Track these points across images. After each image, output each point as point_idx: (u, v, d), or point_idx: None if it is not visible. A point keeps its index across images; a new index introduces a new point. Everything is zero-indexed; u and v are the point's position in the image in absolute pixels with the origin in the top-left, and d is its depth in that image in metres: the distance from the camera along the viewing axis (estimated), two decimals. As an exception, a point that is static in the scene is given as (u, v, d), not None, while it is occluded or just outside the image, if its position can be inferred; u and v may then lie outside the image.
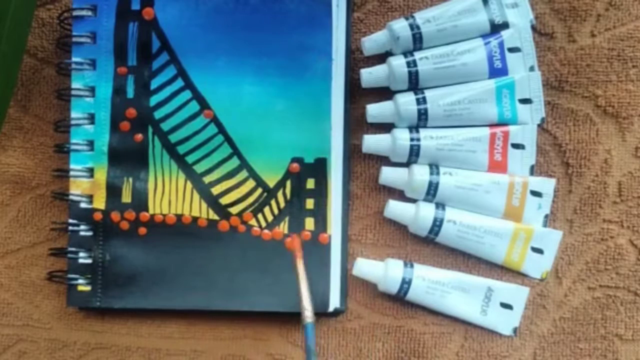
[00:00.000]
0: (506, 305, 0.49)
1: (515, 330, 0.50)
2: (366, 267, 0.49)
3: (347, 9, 0.48)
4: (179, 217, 0.49)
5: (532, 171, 0.49)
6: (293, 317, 0.50)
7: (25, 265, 0.52)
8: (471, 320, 0.49)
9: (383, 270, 0.48)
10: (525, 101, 0.48)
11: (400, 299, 0.49)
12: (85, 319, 0.51)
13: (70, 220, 0.49)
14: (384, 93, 0.49)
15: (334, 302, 0.49)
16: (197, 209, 0.49)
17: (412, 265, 0.49)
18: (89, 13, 0.48)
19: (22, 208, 0.51)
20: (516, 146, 0.48)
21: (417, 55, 0.47)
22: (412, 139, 0.47)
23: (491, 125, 0.48)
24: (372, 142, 0.48)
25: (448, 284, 0.49)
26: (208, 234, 0.49)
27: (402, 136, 0.47)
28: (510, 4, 0.47)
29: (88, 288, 0.49)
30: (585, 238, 0.50)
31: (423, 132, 0.48)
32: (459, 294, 0.49)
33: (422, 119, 0.47)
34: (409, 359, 0.50)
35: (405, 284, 0.48)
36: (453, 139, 0.48)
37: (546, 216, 0.49)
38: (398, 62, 0.47)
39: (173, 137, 0.49)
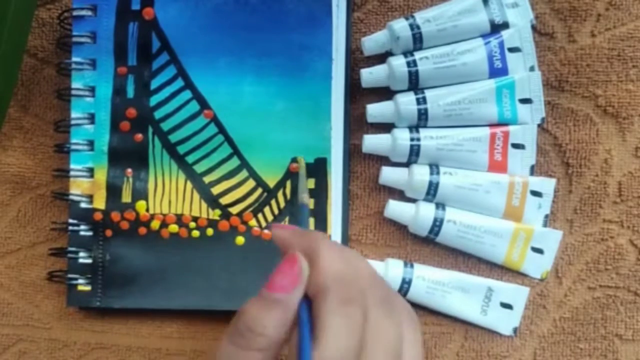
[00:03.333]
0: (506, 305, 0.49)
1: (515, 330, 0.50)
2: (366, 267, 0.49)
3: (347, 9, 0.48)
4: (179, 217, 0.49)
5: (532, 171, 0.49)
6: (293, 317, 0.50)
7: (25, 265, 0.52)
8: (471, 320, 0.49)
9: (383, 270, 0.48)
10: (526, 101, 0.48)
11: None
12: (85, 319, 0.51)
13: (70, 220, 0.49)
14: (384, 93, 0.49)
15: (334, 302, 0.49)
16: (197, 209, 0.49)
17: (412, 266, 0.49)
18: (89, 13, 0.48)
19: (22, 208, 0.51)
20: (516, 146, 0.48)
21: (417, 55, 0.47)
22: (412, 139, 0.47)
23: (491, 125, 0.48)
24: (372, 142, 0.48)
25: (448, 284, 0.49)
26: (208, 233, 0.49)
27: (402, 136, 0.47)
28: (510, 3, 0.47)
29: (88, 288, 0.49)
30: (586, 238, 0.50)
31: (423, 132, 0.48)
32: (459, 294, 0.49)
33: (422, 119, 0.47)
34: (409, 359, 0.50)
35: (405, 284, 0.48)
36: (453, 138, 0.48)
37: (546, 216, 0.49)
38: (398, 62, 0.47)
39: (173, 137, 0.49)
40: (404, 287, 0.48)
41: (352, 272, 0.32)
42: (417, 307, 0.50)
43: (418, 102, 0.47)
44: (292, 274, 0.32)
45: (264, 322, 0.31)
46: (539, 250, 0.49)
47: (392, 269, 0.48)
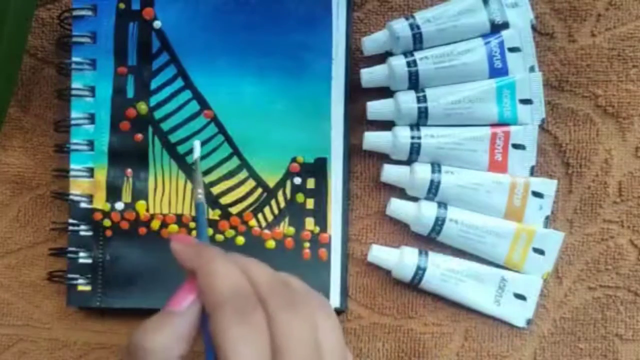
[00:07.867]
0: (520, 296, 0.49)
1: (528, 321, 0.49)
2: (381, 254, 0.49)
3: (347, 8, 0.48)
4: (179, 217, 0.49)
5: (532, 172, 0.49)
6: (293, 317, 0.50)
7: (25, 265, 0.51)
8: (485, 311, 0.49)
9: (398, 257, 0.48)
10: (526, 101, 0.48)
11: (414, 287, 0.49)
12: (85, 319, 0.51)
13: (70, 220, 0.49)
14: (384, 93, 0.49)
15: (334, 302, 0.49)
16: (197, 208, 0.49)
17: (426, 254, 0.49)
18: (89, 13, 0.48)
19: (22, 208, 0.51)
20: (517, 146, 0.48)
21: (417, 55, 0.47)
22: (412, 137, 0.47)
23: (492, 125, 0.48)
24: (372, 139, 0.48)
25: (462, 272, 0.48)
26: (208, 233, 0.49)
27: (403, 134, 0.47)
28: (510, 3, 0.47)
29: (88, 288, 0.49)
30: (586, 238, 0.50)
31: (424, 131, 0.48)
32: (473, 282, 0.49)
33: (422, 117, 0.47)
34: (409, 359, 0.50)
35: (420, 270, 0.48)
36: (454, 137, 0.47)
37: (547, 217, 0.49)
38: (398, 62, 0.47)
39: (173, 137, 0.49)
40: (419, 273, 0.48)
41: (248, 284, 0.33)
42: (417, 307, 0.50)
43: (418, 100, 0.47)
44: (184, 293, 0.35)
45: (154, 337, 0.34)
46: (540, 251, 0.49)
47: (407, 256, 0.48)
